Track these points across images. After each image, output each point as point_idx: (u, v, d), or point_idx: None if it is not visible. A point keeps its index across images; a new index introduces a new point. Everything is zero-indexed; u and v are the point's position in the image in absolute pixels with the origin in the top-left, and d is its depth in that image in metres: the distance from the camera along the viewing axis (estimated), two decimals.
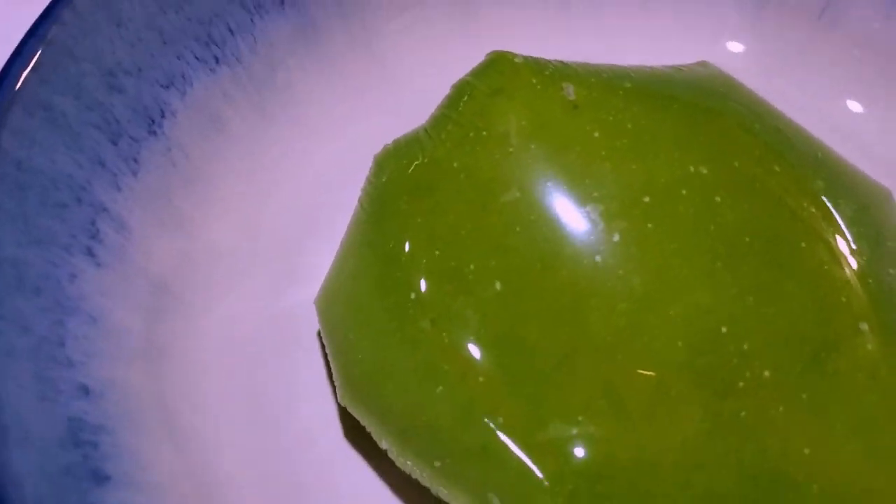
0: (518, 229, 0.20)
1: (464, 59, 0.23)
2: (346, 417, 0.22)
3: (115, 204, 0.22)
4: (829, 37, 0.26)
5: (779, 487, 0.18)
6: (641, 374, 0.19)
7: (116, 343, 0.20)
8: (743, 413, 0.18)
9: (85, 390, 0.19)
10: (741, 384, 0.18)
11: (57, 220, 0.20)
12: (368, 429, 0.21)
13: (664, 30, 0.27)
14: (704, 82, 0.23)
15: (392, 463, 0.20)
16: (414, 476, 0.20)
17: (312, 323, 0.23)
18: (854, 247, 0.20)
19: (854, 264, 0.20)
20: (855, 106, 0.26)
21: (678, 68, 0.23)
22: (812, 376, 0.19)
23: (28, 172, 0.20)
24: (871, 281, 0.20)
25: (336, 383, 0.22)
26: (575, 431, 0.19)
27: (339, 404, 0.22)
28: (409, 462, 0.20)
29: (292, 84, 0.26)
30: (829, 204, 0.21)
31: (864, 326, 0.19)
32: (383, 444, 0.21)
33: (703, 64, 0.24)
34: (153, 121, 0.23)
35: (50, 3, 0.21)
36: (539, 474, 0.19)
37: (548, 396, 0.19)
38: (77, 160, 0.21)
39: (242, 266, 0.24)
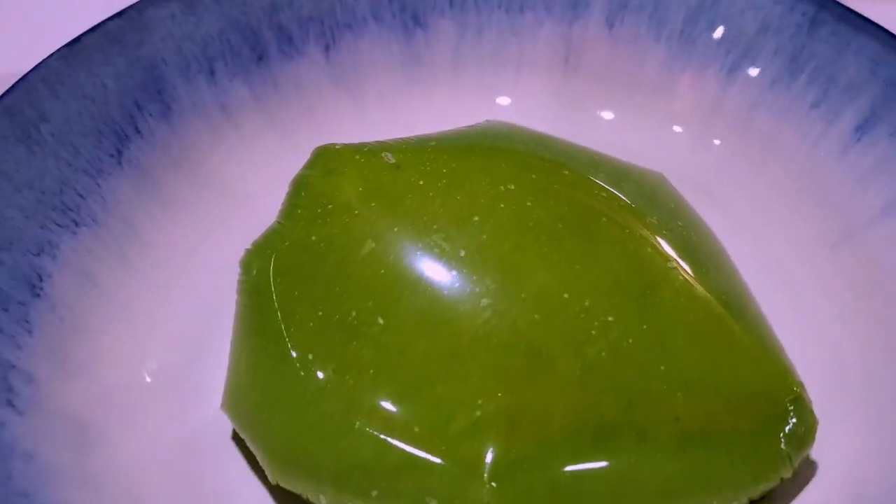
0: (382, 271, 0.23)
1: (291, 162, 0.27)
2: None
3: (19, 361, 0.24)
4: (577, 76, 0.33)
5: (651, 403, 0.22)
6: (515, 348, 0.22)
7: (55, 475, 0.22)
8: (603, 353, 0.22)
9: None
10: (594, 332, 0.22)
11: None
12: (304, 494, 0.23)
13: (447, 103, 0.32)
14: (491, 131, 0.28)
15: None
16: None
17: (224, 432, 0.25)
18: (642, 213, 0.25)
19: (647, 224, 0.25)
20: (608, 115, 0.32)
21: (468, 127, 0.28)
22: (645, 309, 0.23)
23: None
24: (665, 232, 0.25)
25: (263, 466, 0.23)
26: (479, 414, 0.22)
27: (270, 490, 0.24)
28: None
29: (146, 231, 0.28)
30: (612, 189, 0.26)
31: (673, 264, 0.24)
32: (322, 502, 0.23)
33: (488, 121, 0.29)
34: (34, 285, 0.25)
35: None
36: (463, 463, 0.21)
37: (448, 395, 0.22)
38: None
39: (147, 398, 0.26)
